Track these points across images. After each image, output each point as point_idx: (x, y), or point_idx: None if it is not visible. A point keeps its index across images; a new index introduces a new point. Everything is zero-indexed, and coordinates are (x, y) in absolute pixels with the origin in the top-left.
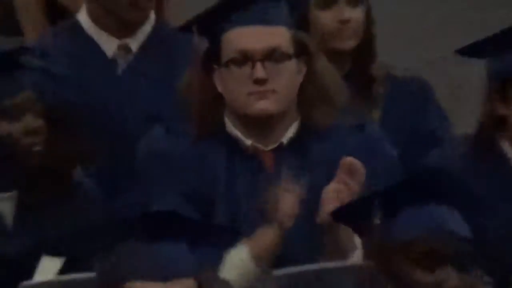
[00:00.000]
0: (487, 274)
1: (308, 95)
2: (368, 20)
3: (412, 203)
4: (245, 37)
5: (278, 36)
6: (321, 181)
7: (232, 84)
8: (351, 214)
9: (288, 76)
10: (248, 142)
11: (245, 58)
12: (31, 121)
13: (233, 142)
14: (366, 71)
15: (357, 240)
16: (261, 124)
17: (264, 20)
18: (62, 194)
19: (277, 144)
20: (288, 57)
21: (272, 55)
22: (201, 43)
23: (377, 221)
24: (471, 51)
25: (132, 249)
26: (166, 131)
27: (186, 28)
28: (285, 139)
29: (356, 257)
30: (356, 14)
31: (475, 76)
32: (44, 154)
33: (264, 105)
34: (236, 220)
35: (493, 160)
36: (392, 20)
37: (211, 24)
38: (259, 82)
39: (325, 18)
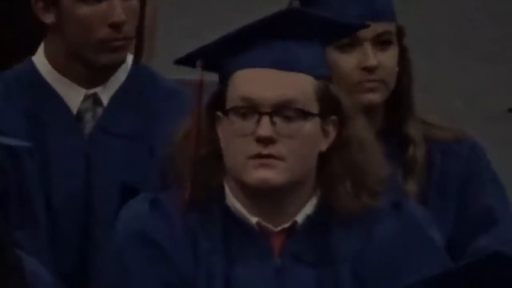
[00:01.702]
0: None
1: (333, 170)
2: (403, 66)
3: None
4: (253, 82)
5: (297, 85)
6: (343, 279)
7: (231, 140)
8: None
9: (304, 140)
10: (254, 220)
11: (250, 109)
12: None
13: (233, 219)
14: (400, 130)
15: None
16: (268, 197)
17: (281, 63)
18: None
19: (289, 223)
20: (307, 115)
21: (285, 110)
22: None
23: None
24: None
25: None
26: (150, 205)
27: (188, 61)
28: (300, 218)
29: None
30: (386, 59)
31: None
32: None
33: (265, 175)
34: None
35: None
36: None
37: (219, 60)
38: (262, 141)
39: (346, 62)
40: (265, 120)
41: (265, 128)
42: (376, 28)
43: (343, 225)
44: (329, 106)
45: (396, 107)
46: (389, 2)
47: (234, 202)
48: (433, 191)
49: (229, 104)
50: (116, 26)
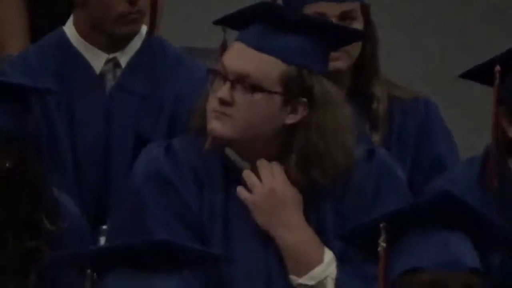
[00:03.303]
0: None
1: (291, 144)
2: (368, 36)
3: (420, 228)
4: (232, 53)
5: (260, 65)
6: (326, 215)
7: (211, 94)
8: (358, 237)
9: (255, 110)
10: (245, 165)
11: (223, 76)
12: None
13: (231, 166)
14: (364, 88)
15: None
16: (249, 149)
17: (257, 43)
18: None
19: None
20: (262, 90)
21: (244, 82)
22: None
23: (383, 245)
24: (476, 75)
25: (122, 279)
26: (165, 152)
27: (222, 22)
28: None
29: (320, 271)
30: None
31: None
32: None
33: (214, 125)
34: (231, 247)
35: (502, 184)
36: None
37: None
38: (220, 101)
39: None
40: (227, 85)
41: (224, 91)
42: (341, 7)
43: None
44: (298, 89)
45: (362, 70)
46: None
47: (230, 150)
48: (393, 141)
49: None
50: (132, 2)
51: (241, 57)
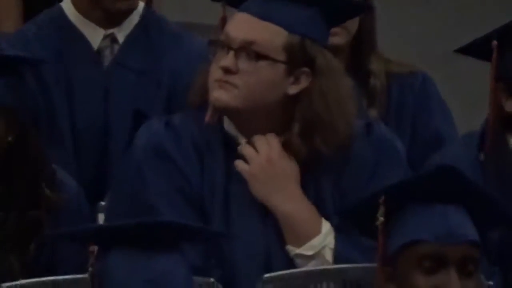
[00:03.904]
0: (488, 278)
1: (307, 118)
2: (366, 13)
3: (419, 201)
4: (236, 22)
5: (265, 33)
6: (325, 187)
7: (213, 65)
8: (357, 213)
9: (259, 78)
10: (242, 140)
11: (226, 45)
12: None
13: (231, 141)
14: (362, 65)
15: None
16: (239, 120)
17: (261, 13)
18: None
19: None
20: (266, 58)
21: (249, 49)
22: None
23: (381, 219)
24: (473, 50)
25: (125, 255)
26: (166, 127)
27: None
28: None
29: (318, 241)
30: None
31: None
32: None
33: (218, 95)
34: (230, 221)
35: (500, 158)
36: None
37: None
38: (223, 70)
39: None
40: (231, 54)
41: (228, 60)
42: None
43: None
44: (301, 59)
45: (360, 46)
46: None
47: (229, 127)
48: (391, 117)
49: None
50: None
51: (246, 25)
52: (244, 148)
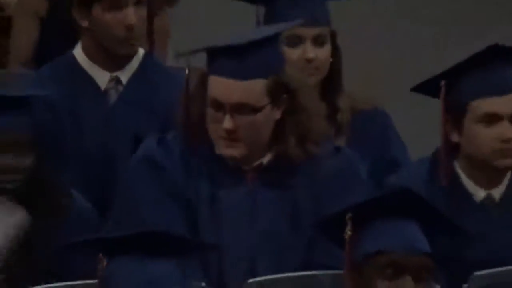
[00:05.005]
0: (438, 283)
1: (284, 130)
2: (335, 57)
3: (380, 218)
4: (219, 88)
5: (251, 90)
6: (304, 198)
7: (210, 122)
8: (328, 226)
9: (258, 125)
10: (231, 162)
11: (218, 107)
12: (8, 160)
13: (219, 159)
14: (331, 102)
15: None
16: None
17: (240, 74)
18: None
19: (258, 162)
20: (258, 109)
21: (242, 109)
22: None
23: (349, 232)
24: (426, 88)
25: (127, 262)
26: (157, 143)
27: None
28: (265, 160)
29: None
30: (321, 53)
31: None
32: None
33: (231, 152)
34: (217, 227)
35: (448, 181)
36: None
37: (207, 62)
38: (227, 132)
39: (293, 55)
40: (228, 116)
41: (228, 122)
42: (314, 31)
43: (298, 165)
44: (280, 90)
45: (329, 85)
46: (325, 12)
47: (221, 151)
48: (355, 145)
49: (208, 98)
50: (129, 27)
51: (230, 89)
52: None
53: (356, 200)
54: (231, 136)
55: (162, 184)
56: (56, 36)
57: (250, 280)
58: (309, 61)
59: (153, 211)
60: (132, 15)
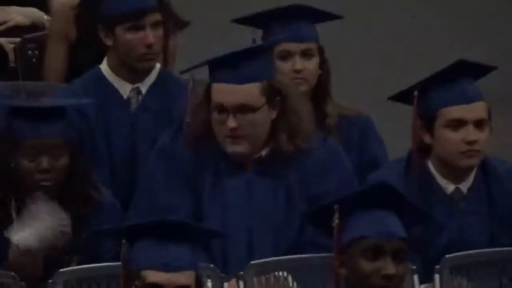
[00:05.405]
0: (413, 263)
1: (278, 129)
2: (323, 69)
3: (363, 208)
4: (221, 93)
5: (249, 92)
6: (295, 184)
7: (215, 125)
8: (317, 215)
9: (257, 123)
10: (235, 157)
11: (221, 109)
12: (45, 161)
13: (223, 154)
14: (320, 108)
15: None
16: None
17: (237, 79)
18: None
19: (257, 156)
20: (256, 109)
21: (242, 109)
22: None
23: (336, 221)
24: (401, 97)
25: (147, 246)
26: (171, 139)
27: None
28: (262, 154)
29: None
30: (309, 65)
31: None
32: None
33: (236, 149)
34: (224, 216)
35: (422, 178)
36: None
37: (209, 72)
38: (231, 130)
39: (284, 67)
40: (231, 116)
41: (231, 121)
42: (302, 46)
43: (290, 157)
44: (274, 93)
45: (319, 94)
46: (312, 31)
47: (227, 149)
48: (342, 146)
49: (212, 104)
50: (148, 46)
51: (231, 93)
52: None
53: (341, 187)
54: (235, 134)
55: (174, 173)
56: (85, 57)
57: (252, 262)
58: (297, 71)
59: (165, 195)
60: (151, 35)
